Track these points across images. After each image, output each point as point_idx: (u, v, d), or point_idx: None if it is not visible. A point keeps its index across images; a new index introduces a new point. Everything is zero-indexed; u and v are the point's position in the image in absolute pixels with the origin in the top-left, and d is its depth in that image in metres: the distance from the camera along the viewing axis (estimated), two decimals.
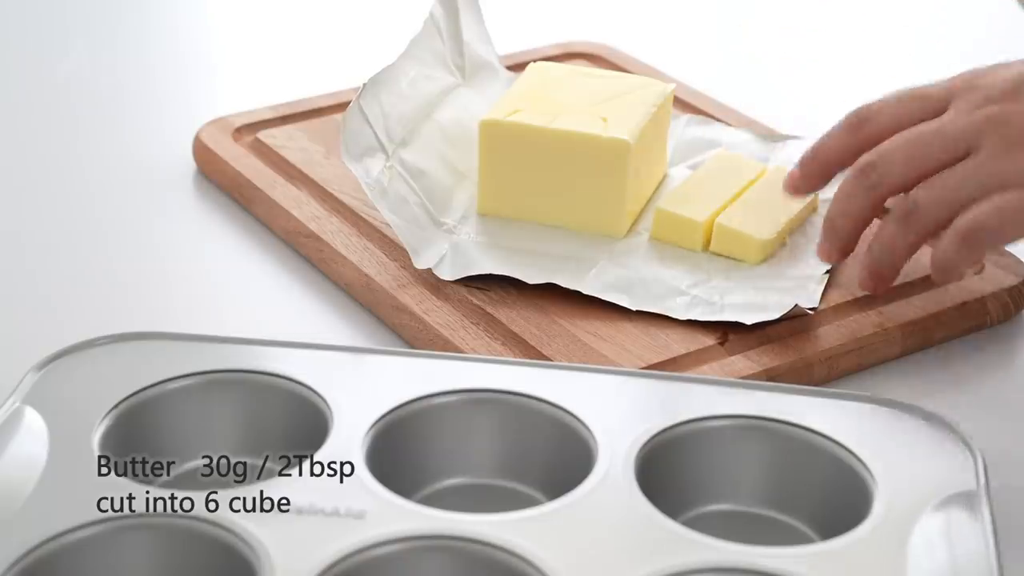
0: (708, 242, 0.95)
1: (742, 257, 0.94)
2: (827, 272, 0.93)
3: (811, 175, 0.90)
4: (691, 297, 0.90)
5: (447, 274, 0.91)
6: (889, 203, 0.87)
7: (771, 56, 1.29)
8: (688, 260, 0.94)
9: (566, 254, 0.94)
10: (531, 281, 0.91)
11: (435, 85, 1.03)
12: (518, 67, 1.14)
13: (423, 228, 0.93)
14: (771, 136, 1.07)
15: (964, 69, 0.89)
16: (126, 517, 0.70)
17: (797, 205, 0.96)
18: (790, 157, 1.00)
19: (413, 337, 0.90)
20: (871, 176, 0.84)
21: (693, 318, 0.89)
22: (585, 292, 0.90)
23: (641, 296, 0.90)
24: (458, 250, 0.93)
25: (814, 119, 1.07)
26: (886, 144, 0.85)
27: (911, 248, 0.86)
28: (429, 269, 0.92)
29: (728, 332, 0.89)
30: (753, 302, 0.90)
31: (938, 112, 0.86)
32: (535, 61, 1.19)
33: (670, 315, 0.89)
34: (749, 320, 0.88)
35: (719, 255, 0.94)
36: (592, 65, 1.17)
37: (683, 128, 1.06)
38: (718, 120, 1.09)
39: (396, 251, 0.95)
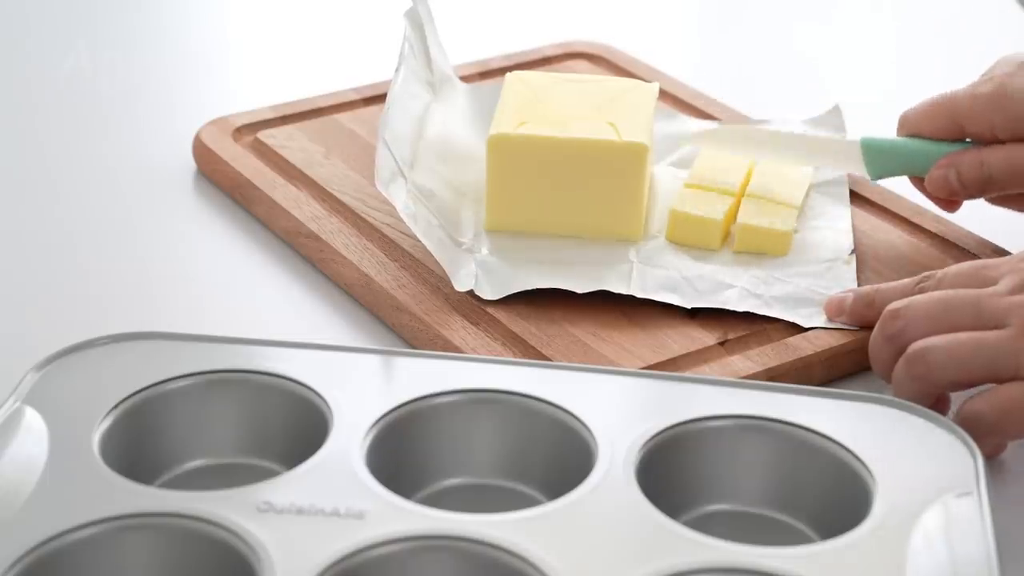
0: (725, 238, 0.96)
1: (768, 251, 0.95)
2: (852, 252, 0.95)
3: (859, 316, 0.89)
4: (739, 289, 0.91)
5: (489, 294, 0.90)
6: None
7: (772, 54, 1.29)
8: (716, 256, 0.95)
9: (592, 261, 0.94)
10: (580, 290, 0.90)
11: (419, 103, 1.03)
12: (519, 67, 1.15)
13: (449, 250, 0.93)
14: (739, 123, 1.08)
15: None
16: (126, 517, 0.70)
17: (799, 193, 0.99)
18: None
19: (413, 337, 0.90)
20: (894, 325, 0.83)
21: (748, 310, 0.89)
22: (637, 295, 0.90)
23: (690, 294, 0.91)
24: (487, 268, 0.92)
25: (815, 116, 1.08)
26: (921, 298, 0.83)
27: (893, 367, 0.83)
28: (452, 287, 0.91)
29: (728, 332, 0.89)
30: (797, 294, 0.91)
31: (992, 283, 0.84)
32: (533, 61, 1.19)
33: (726, 307, 0.89)
34: (806, 322, 0.89)
35: (743, 252, 0.95)
36: (593, 65, 1.18)
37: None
38: (681, 112, 1.10)
39: (396, 251, 0.95)
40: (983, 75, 0.96)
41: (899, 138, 0.98)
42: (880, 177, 0.98)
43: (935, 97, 0.97)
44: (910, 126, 0.98)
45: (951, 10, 1.36)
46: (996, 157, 0.94)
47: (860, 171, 0.98)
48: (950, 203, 0.98)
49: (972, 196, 0.96)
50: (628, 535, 0.70)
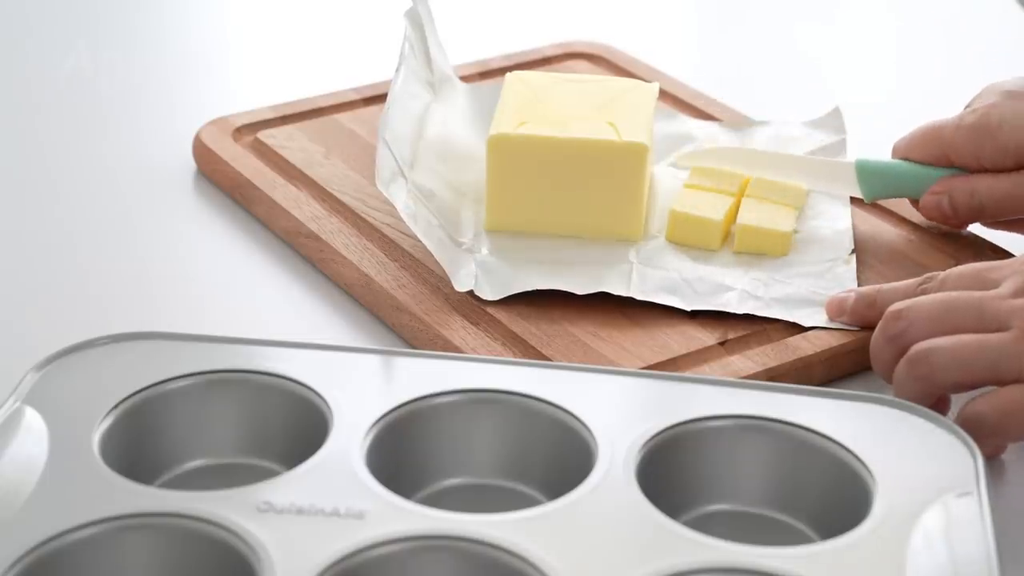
0: (725, 238, 0.96)
1: (768, 251, 0.95)
2: (852, 252, 0.95)
3: (861, 316, 0.89)
4: (739, 291, 0.91)
5: (489, 294, 0.90)
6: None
7: (772, 55, 1.30)
8: (716, 257, 0.94)
9: (592, 261, 0.94)
10: (580, 292, 0.90)
11: (419, 103, 1.03)
12: (519, 67, 1.15)
13: (449, 250, 0.93)
14: (739, 124, 1.09)
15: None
16: (126, 517, 0.70)
17: (800, 193, 0.99)
18: (764, 144, 1.05)
19: (413, 337, 0.90)
20: (896, 326, 0.83)
21: (748, 312, 0.89)
22: (637, 297, 0.90)
23: (690, 296, 0.91)
24: (487, 269, 0.92)
25: (815, 116, 1.08)
26: (923, 299, 0.83)
27: (894, 367, 0.83)
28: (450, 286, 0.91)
29: (728, 332, 0.89)
30: (797, 295, 0.91)
31: (994, 286, 0.84)
32: (533, 62, 1.19)
33: (727, 310, 0.89)
34: (807, 322, 0.89)
35: (743, 252, 0.95)
36: (593, 65, 1.18)
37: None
38: (681, 112, 1.10)
39: (396, 251, 0.95)
40: (968, 104, 0.97)
41: (893, 160, 0.99)
42: (875, 198, 0.99)
43: (924, 127, 0.98)
44: (901, 155, 0.99)
45: (951, 10, 1.36)
46: (985, 187, 0.95)
47: (855, 192, 0.98)
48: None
49: (966, 223, 0.97)
50: (628, 535, 0.70)
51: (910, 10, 1.37)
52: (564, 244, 0.95)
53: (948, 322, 0.82)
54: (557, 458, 0.77)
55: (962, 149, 0.95)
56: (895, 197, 0.99)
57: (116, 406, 0.77)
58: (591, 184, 0.95)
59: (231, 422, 0.79)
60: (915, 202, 0.98)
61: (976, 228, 0.99)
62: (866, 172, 0.98)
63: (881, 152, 1.00)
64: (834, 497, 0.75)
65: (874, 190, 0.98)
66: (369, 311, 0.93)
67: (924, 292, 0.86)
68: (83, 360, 0.79)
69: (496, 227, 0.96)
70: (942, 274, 0.86)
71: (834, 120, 1.07)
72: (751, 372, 0.86)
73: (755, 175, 0.99)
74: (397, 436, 0.76)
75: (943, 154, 0.96)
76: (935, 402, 0.81)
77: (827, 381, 0.87)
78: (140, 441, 0.77)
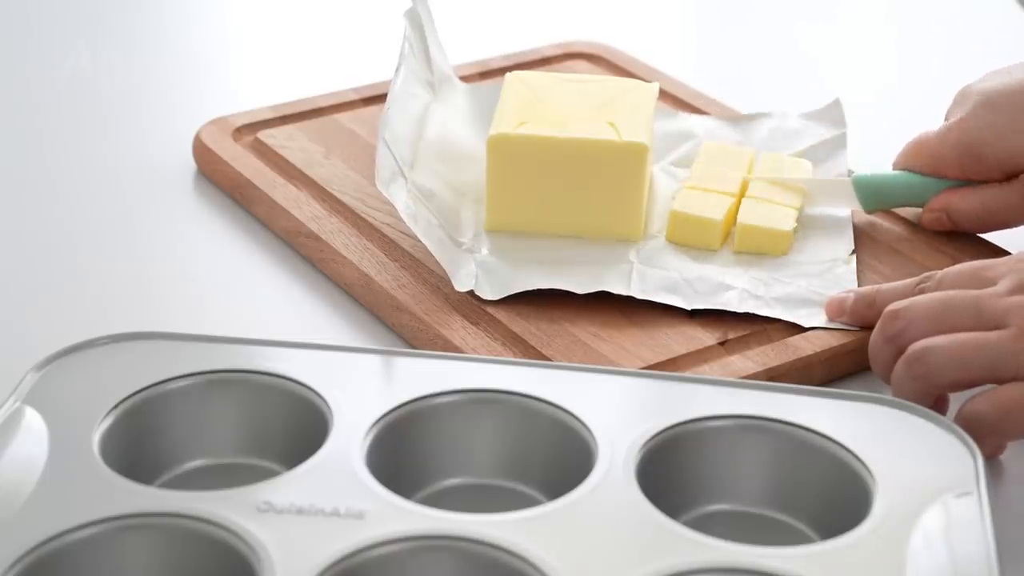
0: (725, 238, 0.96)
1: (769, 251, 0.95)
2: (852, 252, 0.95)
3: (860, 316, 0.89)
4: (739, 290, 0.91)
5: (489, 294, 0.91)
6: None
7: (772, 54, 1.30)
8: (716, 256, 0.95)
9: (592, 261, 0.94)
10: (581, 291, 0.90)
11: (419, 103, 1.03)
12: (519, 67, 1.15)
13: (449, 250, 0.93)
14: (738, 117, 1.09)
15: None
16: (126, 517, 0.70)
17: (801, 191, 0.99)
18: (764, 139, 1.06)
19: (413, 337, 0.90)
20: (895, 326, 0.83)
21: (748, 311, 0.89)
22: (637, 296, 0.90)
23: (690, 295, 0.91)
24: (487, 268, 0.92)
25: (814, 110, 1.08)
26: (921, 298, 0.84)
27: (893, 367, 0.83)
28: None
29: (728, 332, 0.89)
30: (797, 295, 0.91)
31: (991, 284, 0.84)
32: (533, 62, 1.18)
33: (727, 309, 0.89)
34: (807, 322, 0.89)
35: (744, 252, 0.95)
36: (593, 65, 1.18)
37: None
38: (681, 112, 1.10)
39: (396, 251, 0.95)
40: (947, 113, 0.98)
41: (890, 172, 0.99)
42: (876, 210, 0.99)
43: (914, 139, 0.99)
44: (899, 167, 1.00)
45: (951, 10, 1.36)
46: (980, 200, 0.96)
47: (855, 206, 0.98)
48: None
49: (969, 231, 0.98)
50: (628, 535, 0.70)
51: (910, 10, 1.37)
52: (564, 244, 0.96)
53: (946, 321, 0.82)
54: (557, 458, 0.77)
55: (948, 164, 0.97)
56: (896, 207, 0.99)
57: (116, 406, 0.77)
58: (591, 184, 0.95)
59: (231, 422, 0.79)
60: (920, 205, 0.99)
61: None
62: (864, 187, 0.98)
63: (880, 152, 1.00)
64: (834, 497, 0.75)
65: (873, 204, 0.98)
66: (369, 311, 0.93)
67: (922, 291, 0.86)
68: (83, 360, 0.79)
69: (496, 227, 0.96)
70: (940, 273, 0.87)
71: (834, 112, 1.07)
72: (751, 372, 0.86)
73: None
74: (397, 436, 0.77)
75: (933, 166, 0.97)
76: (934, 401, 0.81)
77: (827, 381, 0.87)
78: (140, 441, 0.77)
